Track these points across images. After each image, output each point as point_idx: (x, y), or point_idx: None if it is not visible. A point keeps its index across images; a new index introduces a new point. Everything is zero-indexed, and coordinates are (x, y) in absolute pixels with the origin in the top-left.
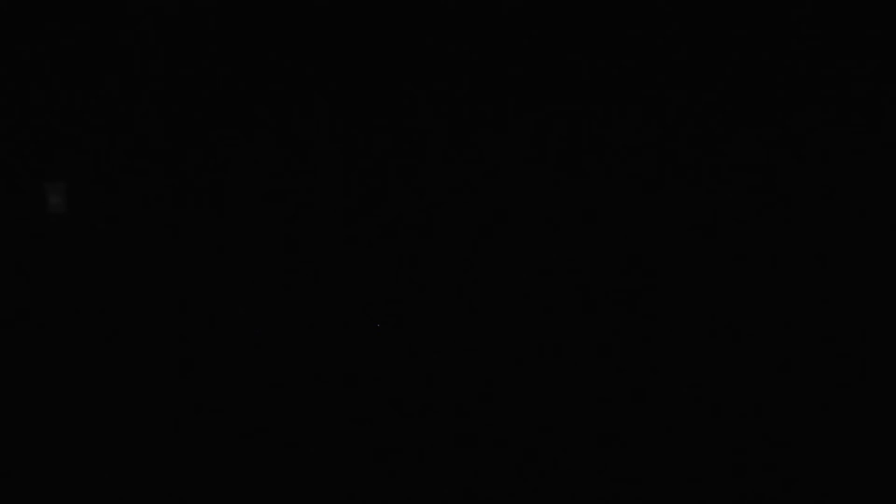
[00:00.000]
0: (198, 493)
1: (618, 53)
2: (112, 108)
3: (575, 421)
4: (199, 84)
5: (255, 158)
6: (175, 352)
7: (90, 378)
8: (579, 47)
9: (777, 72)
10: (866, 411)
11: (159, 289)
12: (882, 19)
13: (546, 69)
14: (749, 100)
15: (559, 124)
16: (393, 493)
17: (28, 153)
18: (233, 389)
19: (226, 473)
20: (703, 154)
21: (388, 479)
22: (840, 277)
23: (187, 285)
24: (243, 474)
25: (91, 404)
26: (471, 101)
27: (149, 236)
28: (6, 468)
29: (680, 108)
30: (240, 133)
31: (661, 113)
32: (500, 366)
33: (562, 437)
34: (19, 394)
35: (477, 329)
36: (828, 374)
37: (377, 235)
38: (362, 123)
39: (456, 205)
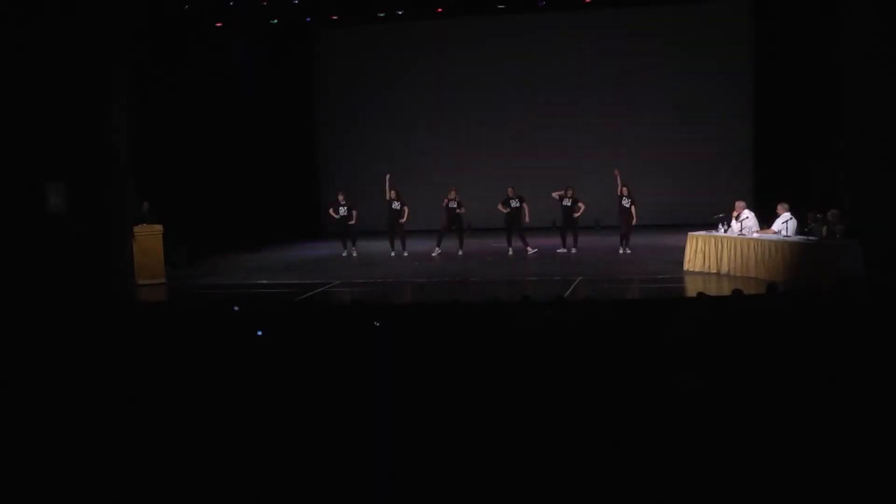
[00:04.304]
0: (198, 493)
1: None
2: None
3: (575, 424)
4: None
5: None
6: (175, 351)
7: (90, 378)
8: None
9: None
10: (866, 411)
11: (158, 288)
12: None
13: None
14: None
15: None
16: (393, 493)
17: (28, 153)
18: (232, 389)
19: (226, 473)
20: None
21: (388, 478)
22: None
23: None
24: (243, 474)
25: (91, 404)
26: None
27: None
28: (6, 468)
29: None
30: None
31: None
32: (502, 369)
33: (562, 437)
34: (19, 394)
35: (476, 329)
36: (827, 374)
37: None
38: None
39: None
